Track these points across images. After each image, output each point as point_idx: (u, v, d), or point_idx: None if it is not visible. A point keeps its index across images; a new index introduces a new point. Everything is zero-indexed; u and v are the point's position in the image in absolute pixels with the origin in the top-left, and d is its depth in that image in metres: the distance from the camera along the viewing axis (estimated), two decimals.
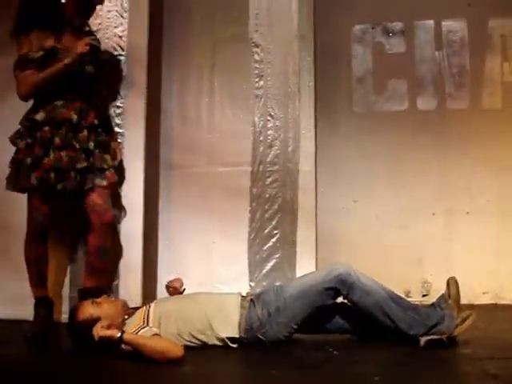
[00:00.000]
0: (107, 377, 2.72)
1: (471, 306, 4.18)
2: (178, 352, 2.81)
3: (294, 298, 3.14)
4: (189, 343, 3.09)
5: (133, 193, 4.13)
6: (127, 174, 4.10)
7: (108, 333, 2.90)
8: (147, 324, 3.01)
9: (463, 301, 3.22)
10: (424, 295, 4.78)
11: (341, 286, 3.11)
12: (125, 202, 4.08)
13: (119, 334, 2.88)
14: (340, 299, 3.23)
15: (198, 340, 3.10)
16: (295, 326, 3.17)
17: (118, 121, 4.24)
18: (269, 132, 4.44)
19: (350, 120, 5.02)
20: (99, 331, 2.91)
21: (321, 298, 3.14)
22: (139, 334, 2.91)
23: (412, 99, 5.01)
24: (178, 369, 2.74)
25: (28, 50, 3.54)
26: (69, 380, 2.65)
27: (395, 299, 3.13)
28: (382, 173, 4.93)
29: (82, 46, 3.53)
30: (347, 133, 4.99)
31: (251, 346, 3.08)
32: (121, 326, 3.01)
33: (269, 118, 4.45)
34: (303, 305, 3.14)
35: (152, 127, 4.34)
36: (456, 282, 3.19)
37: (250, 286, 4.29)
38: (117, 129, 4.18)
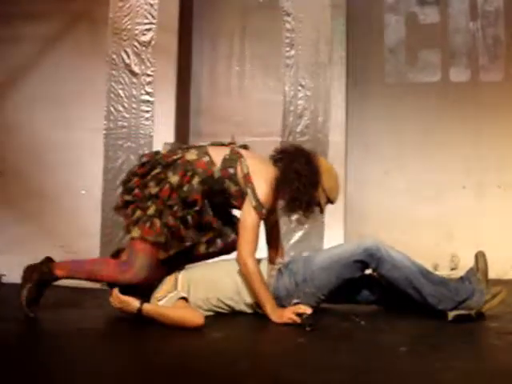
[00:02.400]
0: (138, 338, 2.77)
1: (499, 281, 4.17)
2: (198, 320, 2.83)
3: (322, 269, 3.14)
4: (217, 309, 3.13)
5: None
6: (157, 144, 4.12)
7: (125, 302, 2.94)
8: (175, 289, 3.04)
9: (491, 275, 3.19)
10: (452, 269, 4.74)
11: (369, 259, 3.11)
12: None
13: (138, 305, 2.91)
14: (369, 271, 3.23)
15: (226, 305, 3.13)
16: (322, 297, 3.18)
17: (148, 89, 4.24)
18: (299, 102, 4.41)
19: (382, 91, 4.95)
20: (117, 300, 2.97)
21: (349, 270, 3.14)
22: (167, 298, 2.94)
23: (445, 71, 4.93)
24: (206, 334, 2.78)
25: None
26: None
27: (424, 273, 3.12)
28: (412, 145, 4.88)
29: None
30: (378, 104, 4.93)
31: None
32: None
33: (299, 87, 4.42)
34: (331, 276, 3.14)
35: (182, 96, 4.35)
36: (484, 256, 3.16)
37: None
38: (147, 97, 4.19)
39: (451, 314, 3.01)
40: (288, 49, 4.44)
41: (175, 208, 3.02)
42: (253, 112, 4.49)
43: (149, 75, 4.27)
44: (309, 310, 2.93)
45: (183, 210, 3.04)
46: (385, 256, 3.09)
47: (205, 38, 4.59)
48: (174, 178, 3.05)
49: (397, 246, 3.17)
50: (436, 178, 4.82)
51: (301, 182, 3.03)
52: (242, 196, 3.11)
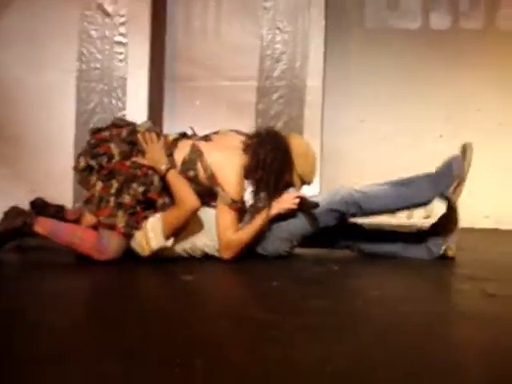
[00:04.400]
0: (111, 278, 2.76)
1: (472, 230, 4.21)
2: (196, 204, 2.97)
3: (298, 216, 3.13)
4: (191, 253, 3.12)
5: (137, 105, 4.07)
6: (131, 85, 4.03)
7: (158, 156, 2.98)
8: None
9: (464, 224, 3.23)
10: (425, 217, 4.76)
11: (346, 207, 3.11)
12: (128, 114, 4.02)
13: (164, 167, 2.97)
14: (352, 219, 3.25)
15: (200, 250, 3.12)
16: (295, 242, 3.19)
17: (121, 30, 4.13)
18: (276, 46, 4.32)
19: (361, 36, 4.86)
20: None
21: (324, 218, 3.14)
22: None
23: (425, 17, 4.84)
24: (179, 278, 2.77)
25: None
26: None
27: (402, 183, 3.16)
28: (391, 92, 4.82)
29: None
30: (357, 49, 4.85)
31: (252, 259, 3.10)
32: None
33: (277, 31, 4.32)
34: (306, 224, 3.14)
35: (157, 37, 4.24)
36: (472, 148, 3.24)
37: None
38: (120, 38, 4.08)
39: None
40: None
41: (134, 187, 2.96)
42: (229, 56, 4.39)
43: (122, 16, 4.14)
44: (300, 193, 3.07)
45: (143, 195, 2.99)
46: (361, 197, 3.10)
47: None
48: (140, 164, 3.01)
49: None
50: (413, 126, 4.79)
51: (265, 170, 3.03)
52: (209, 194, 3.09)
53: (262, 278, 2.83)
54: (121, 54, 4.17)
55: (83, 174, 3.01)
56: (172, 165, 3.02)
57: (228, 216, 3.01)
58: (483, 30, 4.79)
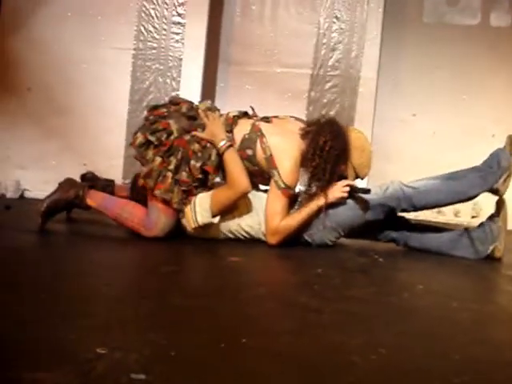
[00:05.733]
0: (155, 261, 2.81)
1: None
2: (247, 187, 2.98)
3: (347, 207, 3.13)
4: (236, 234, 3.14)
5: (191, 85, 4.11)
6: (186, 66, 4.06)
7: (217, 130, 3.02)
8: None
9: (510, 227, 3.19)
10: (473, 217, 4.70)
11: (397, 202, 3.09)
12: (182, 94, 4.05)
13: (224, 143, 3.00)
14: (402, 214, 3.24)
15: (246, 232, 3.14)
16: (342, 233, 3.19)
17: (180, 10, 4.16)
18: (333, 35, 4.30)
19: (418, 30, 4.80)
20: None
21: (374, 213, 3.12)
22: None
23: (485, 14, 4.75)
24: (224, 258, 2.80)
25: None
26: None
27: (451, 177, 3.16)
28: (445, 88, 4.76)
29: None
30: (414, 43, 4.79)
31: (297, 246, 3.11)
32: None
33: (334, 19, 4.30)
34: (355, 216, 3.13)
35: (214, 20, 4.25)
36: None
37: None
38: (178, 18, 4.11)
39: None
40: None
41: (192, 163, 2.98)
42: (285, 42, 4.37)
43: None
44: (351, 182, 3.08)
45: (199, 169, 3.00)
46: (411, 193, 3.09)
47: None
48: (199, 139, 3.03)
49: None
50: (465, 124, 4.72)
51: (322, 158, 3.01)
52: (261, 175, 3.11)
53: (307, 265, 2.85)
54: (178, 34, 4.19)
55: (140, 149, 3.04)
56: (231, 142, 3.04)
57: (279, 201, 3.02)
58: None
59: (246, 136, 3.09)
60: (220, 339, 1.68)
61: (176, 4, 4.15)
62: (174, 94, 4.10)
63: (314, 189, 3.06)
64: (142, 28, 4.23)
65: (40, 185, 4.11)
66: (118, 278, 2.37)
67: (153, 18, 4.21)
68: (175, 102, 3.18)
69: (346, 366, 1.59)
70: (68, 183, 3.14)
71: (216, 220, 3.02)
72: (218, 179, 3.12)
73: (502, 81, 4.71)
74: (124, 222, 3.07)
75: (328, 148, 3.01)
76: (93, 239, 3.10)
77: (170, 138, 2.99)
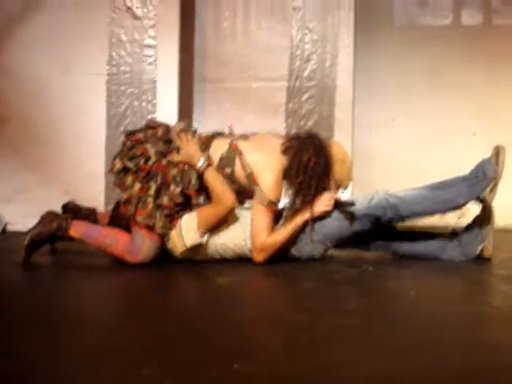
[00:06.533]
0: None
1: (505, 230, 4.14)
2: (232, 203, 2.97)
3: (333, 219, 3.11)
4: (222, 254, 3.10)
5: (167, 106, 4.08)
6: (161, 88, 4.04)
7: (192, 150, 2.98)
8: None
9: (500, 224, 3.19)
10: (459, 218, 4.69)
11: (382, 211, 3.08)
12: (159, 116, 4.03)
13: (202, 163, 2.97)
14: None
15: (232, 251, 3.11)
16: (329, 245, 3.17)
17: (150, 33, 4.14)
18: (306, 46, 4.29)
19: (391, 34, 4.79)
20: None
21: (360, 222, 3.11)
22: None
23: (456, 13, 4.77)
24: (213, 280, 2.76)
25: None
26: None
27: (438, 187, 3.15)
28: (422, 90, 4.75)
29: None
30: (387, 47, 4.79)
31: (284, 261, 3.08)
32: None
33: (306, 31, 4.29)
34: (341, 227, 3.11)
35: (186, 39, 4.24)
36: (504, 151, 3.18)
37: None
38: (150, 41, 4.09)
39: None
40: None
41: (172, 188, 2.96)
42: (259, 56, 4.36)
43: (151, 18, 4.15)
44: (335, 195, 3.07)
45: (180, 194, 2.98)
46: (397, 202, 3.08)
47: None
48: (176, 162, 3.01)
49: None
50: (445, 124, 4.72)
51: (306, 174, 3.01)
52: (242, 192, 3.09)
53: (296, 280, 2.82)
54: (150, 56, 4.17)
55: (119, 176, 3.02)
56: (209, 161, 3.02)
57: (264, 218, 3.00)
58: None
59: (224, 155, 3.06)
60: (211, 366, 1.64)
61: (146, 27, 4.13)
62: (150, 116, 4.07)
63: (298, 204, 3.04)
64: (114, 53, 4.20)
65: (22, 218, 4.05)
66: (104, 310, 2.34)
67: (124, 42, 4.19)
68: (151, 125, 3.15)
69: (342, 382, 1.56)
70: (50, 215, 3.10)
71: (204, 239, 2.99)
72: (201, 199, 3.09)
73: (478, 78, 4.72)
74: (108, 249, 3.03)
75: (312, 164, 3.01)
76: (78, 270, 3.06)
77: (148, 163, 2.97)
